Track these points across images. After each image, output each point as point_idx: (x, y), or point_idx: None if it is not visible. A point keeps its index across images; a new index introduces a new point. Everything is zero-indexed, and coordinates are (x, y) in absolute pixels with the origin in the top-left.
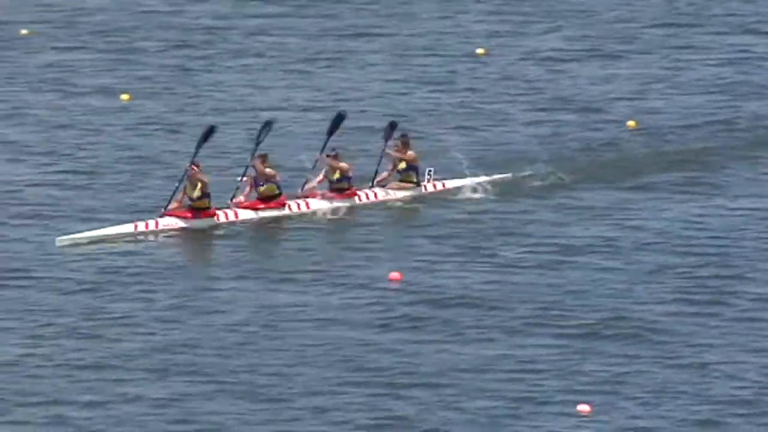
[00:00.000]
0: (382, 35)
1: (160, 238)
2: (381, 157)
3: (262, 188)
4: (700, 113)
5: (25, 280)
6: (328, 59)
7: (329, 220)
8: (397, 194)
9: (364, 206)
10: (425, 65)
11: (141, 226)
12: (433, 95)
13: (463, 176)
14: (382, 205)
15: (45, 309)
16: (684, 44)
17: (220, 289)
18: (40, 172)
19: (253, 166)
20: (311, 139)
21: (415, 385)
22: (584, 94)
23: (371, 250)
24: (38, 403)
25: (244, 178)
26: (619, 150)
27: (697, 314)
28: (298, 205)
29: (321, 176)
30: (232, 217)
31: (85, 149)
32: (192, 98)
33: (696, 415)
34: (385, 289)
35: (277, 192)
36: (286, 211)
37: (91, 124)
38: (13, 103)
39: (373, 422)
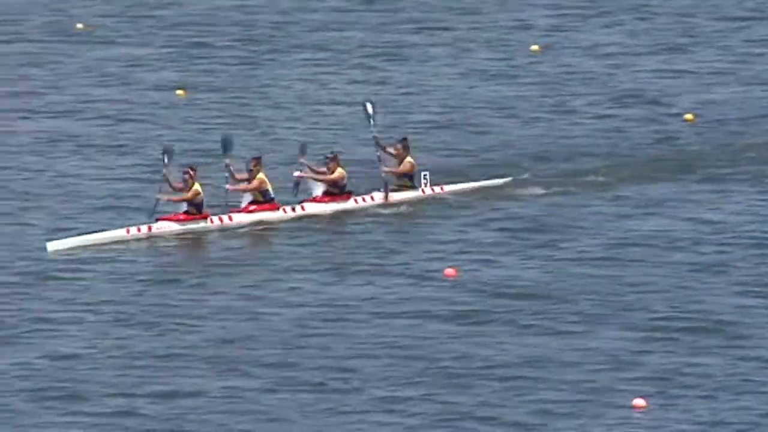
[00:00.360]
0: (443, 29)
1: (224, 233)
2: (379, 159)
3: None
4: (761, 106)
5: (90, 273)
6: (388, 53)
7: (381, 214)
8: (394, 197)
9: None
10: (485, 59)
11: (133, 231)
12: (493, 89)
13: (462, 180)
14: (421, 203)
15: (111, 301)
16: (746, 37)
17: (280, 284)
18: (101, 166)
19: (250, 170)
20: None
21: (475, 377)
22: (644, 88)
23: (425, 245)
24: (107, 395)
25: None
26: (679, 143)
27: (759, 307)
28: (293, 208)
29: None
30: (226, 221)
31: (146, 144)
32: (254, 93)
33: (760, 409)
34: (442, 283)
35: (261, 199)
36: (280, 214)
37: (150, 119)
38: (72, 97)
39: (433, 414)
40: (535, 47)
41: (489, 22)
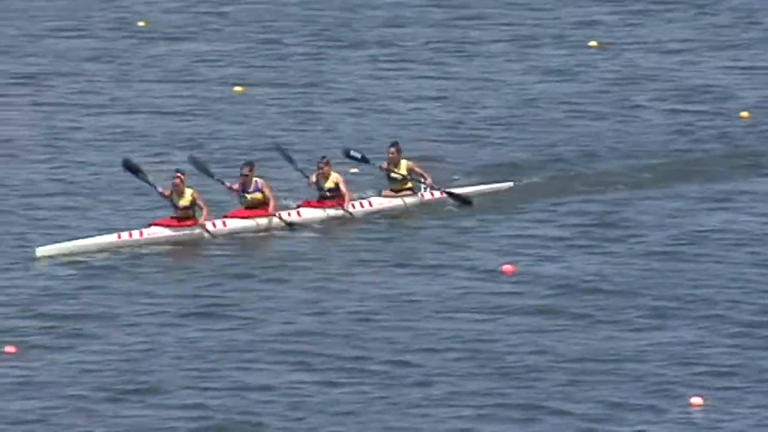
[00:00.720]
0: (506, 25)
1: (286, 230)
2: (380, 167)
3: (249, 195)
4: None
5: (154, 267)
6: (451, 49)
7: (435, 211)
8: (392, 203)
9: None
10: (547, 55)
11: (125, 236)
12: (555, 85)
13: (461, 185)
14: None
15: (177, 296)
16: None
17: (343, 280)
18: (164, 161)
19: (245, 175)
20: (434, 128)
21: (538, 371)
22: (705, 84)
23: (485, 241)
24: (176, 389)
25: (234, 186)
26: (737, 140)
27: None
28: (289, 213)
29: (313, 179)
30: (220, 226)
31: (211, 140)
32: (318, 89)
33: None
34: (504, 279)
35: (263, 201)
36: (275, 220)
37: (210, 116)
38: (135, 93)
39: (496, 407)
40: (593, 43)
41: (551, 18)
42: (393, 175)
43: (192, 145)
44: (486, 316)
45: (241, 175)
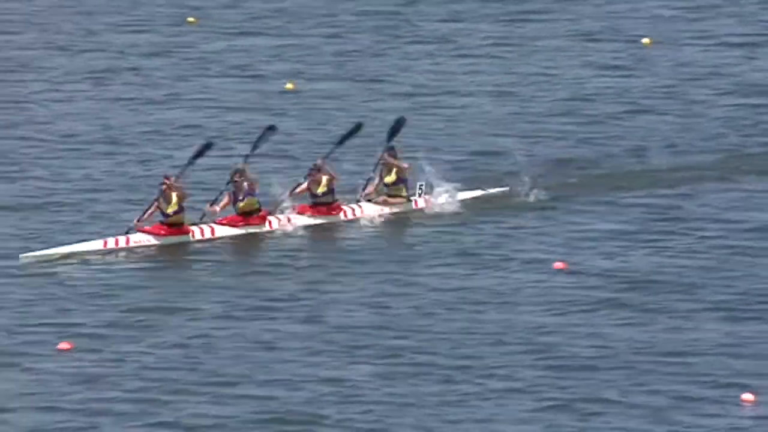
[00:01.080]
0: (564, 20)
1: (359, 224)
2: (377, 165)
3: (241, 203)
4: None
5: (215, 262)
6: (508, 44)
7: (487, 207)
8: (386, 210)
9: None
10: (605, 51)
11: (111, 243)
12: (613, 80)
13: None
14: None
15: (239, 290)
16: None
17: (400, 274)
18: (215, 156)
19: (235, 181)
20: (490, 123)
21: (592, 365)
22: (762, 79)
23: (541, 235)
24: (234, 382)
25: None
26: None
27: None
28: (280, 221)
29: (304, 187)
30: (208, 234)
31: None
32: (375, 84)
33: None
34: (560, 274)
35: (256, 206)
36: (267, 228)
37: (266, 110)
38: (188, 89)
39: (550, 400)
40: (646, 40)
41: (607, 12)
42: (385, 180)
43: (250, 140)
44: (545, 311)
45: (231, 181)
